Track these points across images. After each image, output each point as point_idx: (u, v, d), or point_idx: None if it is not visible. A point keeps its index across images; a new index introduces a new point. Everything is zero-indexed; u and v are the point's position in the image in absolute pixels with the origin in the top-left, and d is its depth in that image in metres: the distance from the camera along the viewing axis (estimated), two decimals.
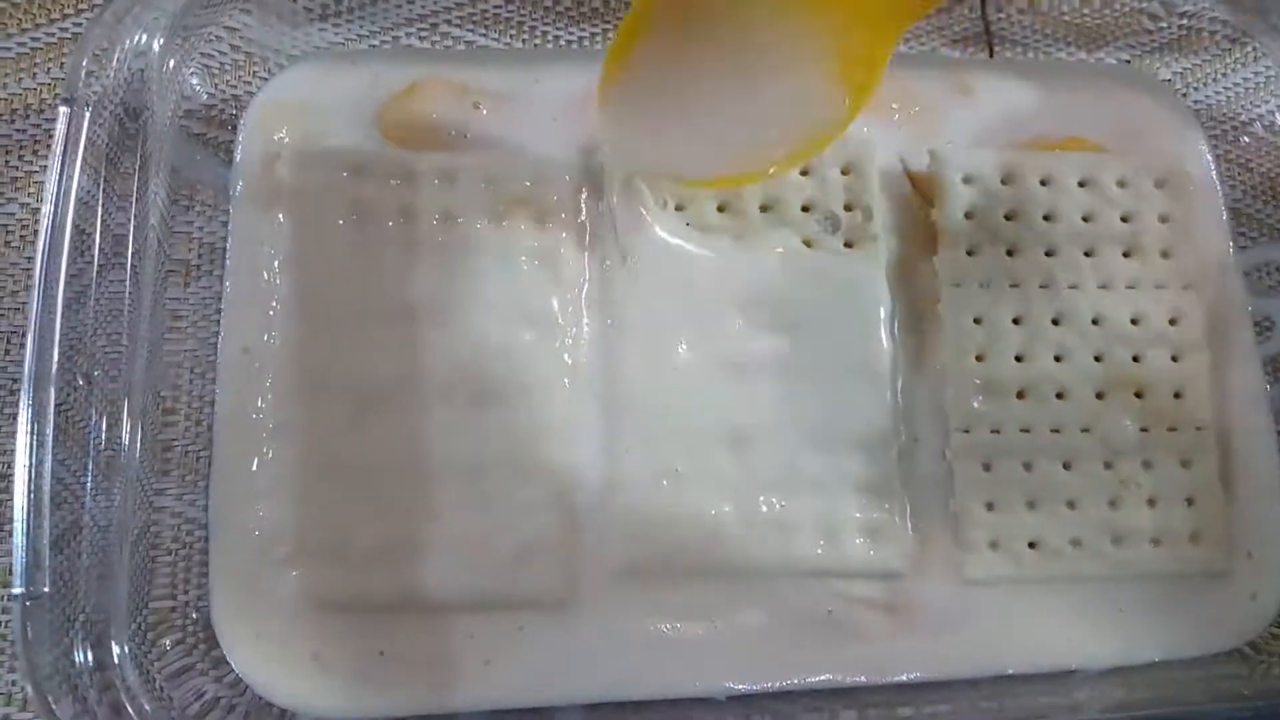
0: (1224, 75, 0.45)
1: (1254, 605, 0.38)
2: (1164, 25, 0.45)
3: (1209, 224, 0.41)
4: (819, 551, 0.36)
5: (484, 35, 0.43)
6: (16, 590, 0.30)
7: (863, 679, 0.35)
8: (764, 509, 0.36)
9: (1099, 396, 0.38)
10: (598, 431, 0.36)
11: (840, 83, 0.35)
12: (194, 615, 0.35)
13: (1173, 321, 0.39)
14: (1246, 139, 0.44)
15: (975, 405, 0.38)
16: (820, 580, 0.36)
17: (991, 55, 0.45)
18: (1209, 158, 0.42)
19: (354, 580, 0.34)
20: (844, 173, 0.39)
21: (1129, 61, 0.45)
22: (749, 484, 0.36)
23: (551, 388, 0.36)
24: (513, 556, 0.35)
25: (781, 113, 0.36)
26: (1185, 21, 0.44)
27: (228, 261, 0.37)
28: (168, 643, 0.34)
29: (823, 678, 0.35)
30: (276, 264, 0.37)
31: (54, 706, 0.29)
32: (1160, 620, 0.37)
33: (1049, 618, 0.37)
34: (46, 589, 0.30)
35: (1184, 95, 0.44)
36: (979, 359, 0.38)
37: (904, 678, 0.35)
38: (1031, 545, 0.37)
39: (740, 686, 0.34)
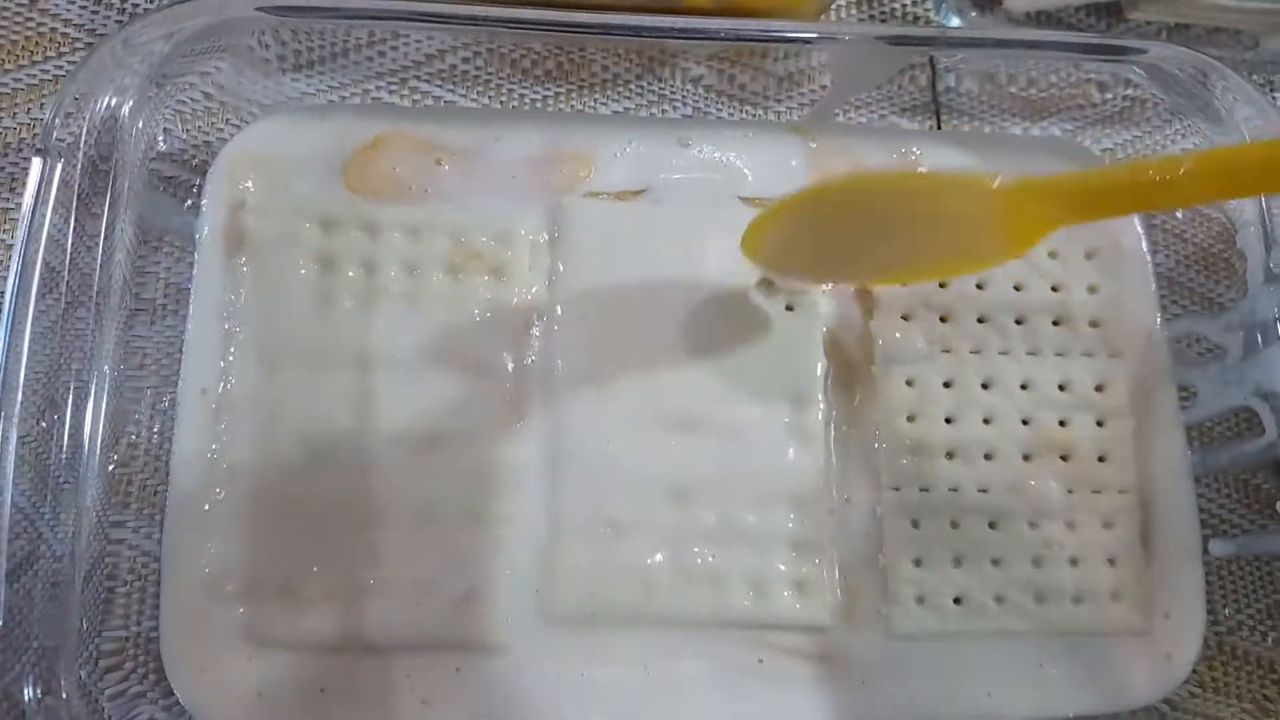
0: (1161, 149, 0.47)
1: (1169, 665, 0.40)
2: (1109, 97, 0.47)
3: (1137, 294, 0.43)
4: (747, 603, 0.37)
5: (451, 91, 0.44)
6: None
7: None
8: (698, 560, 0.37)
9: (1026, 459, 0.40)
10: (541, 481, 0.38)
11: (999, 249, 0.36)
12: (145, 647, 0.36)
13: (1099, 388, 0.41)
14: (1182, 212, 0.46)
15: (905, 464, 0.39)
16: (751, 631, 0.37)
17: (939, 126, 0.47)
18: (1140, 229, 0.44)
19: (299, 619, 0.35)
20: None
21: (1071, 133, 0.47)
22: (685, 535, 0.37)
23: (498, 437, 0.38)
24: (454, 601, 0.36)
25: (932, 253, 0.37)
26: (1128, 91, 0.46)
27: (190, 305, 0.39)
28: (118, 673, 0.35)
29: None
30: (238, 309, 0.38)
31: None
32: (1079, 676, 0.39)
33: (972, 671, 0.38)
34: (0, 622, 0.31)
35: None
36: (910, 420, 0.40)
37: None
38: (957, 601, 0.38)
39: None
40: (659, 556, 0.37)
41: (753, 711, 0.36)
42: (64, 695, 0.33)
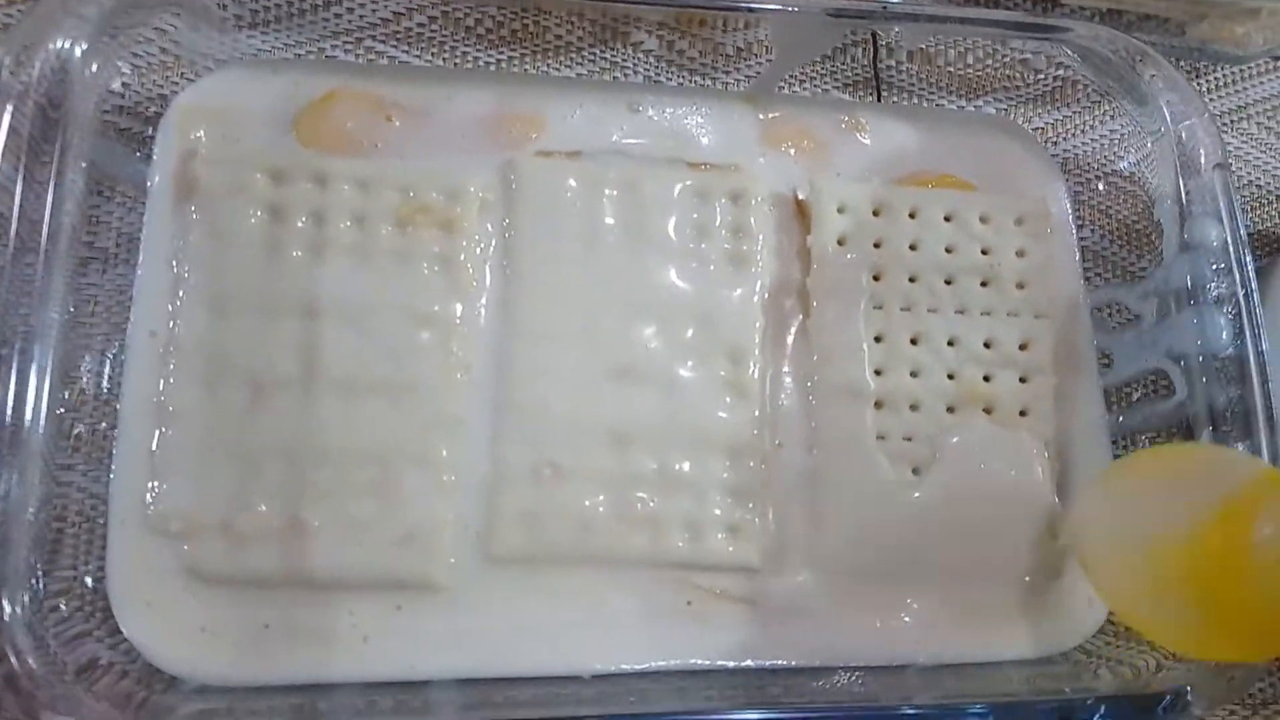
0: (1090, 128, 0.49)
1: (1090, 610, 0.42)
2: (1041, 77, 0.49)
3: (1063, 261, 0.45)
4: (681, 545, 0.38)
5: (405, 52, 0.45)
6: None
7: (716, 664, 0.37)
8: (637, 505, 0.39)
9: (950, 410, 0.41)
10: (486, 426, 0.39)
11: None
12: (91, 584, 0.36)
13: (1023, 346, 0.43)
14: (1105, 187, 0.48)
15: (836, 412, 0.41)
16: (683, 572, 0.39)
17: (880, 99, 0.48)
18: (1067, 202, 0.46)
19: (242, 557, 0.36)
20: (733, 200, 0.43)
21: (1005, 111, 0.49)
22: (624, 481, 0.39)
23: (444, 385, 0.39)
24: (395, 540, 0.37)
25: None
26: (1060, 73, 0.48)
27: (141, 251, 0.39)
28: (64, 609, 0.36)
29: (677, 662, 0.37)
30: (187, 255, 0.39)
31: None
32: (999, 621, 0.41)
33: (897, 613, 0.40)
34: None
35: (1053, 144, 0.48)
36: (841, 370, 0.41)
37: (751, 663, 0.38)
38: (882, 542, 0.40)
39: (604, 667, 0.37)
40: (600, 498, 0.38)
41: (682, 648, 0.38)
42: (8, 625, 0.33)
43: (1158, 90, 0.44)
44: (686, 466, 0.39)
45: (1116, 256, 0.48)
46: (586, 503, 0.38)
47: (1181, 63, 0.52)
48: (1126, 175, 0.47)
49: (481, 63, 0.46)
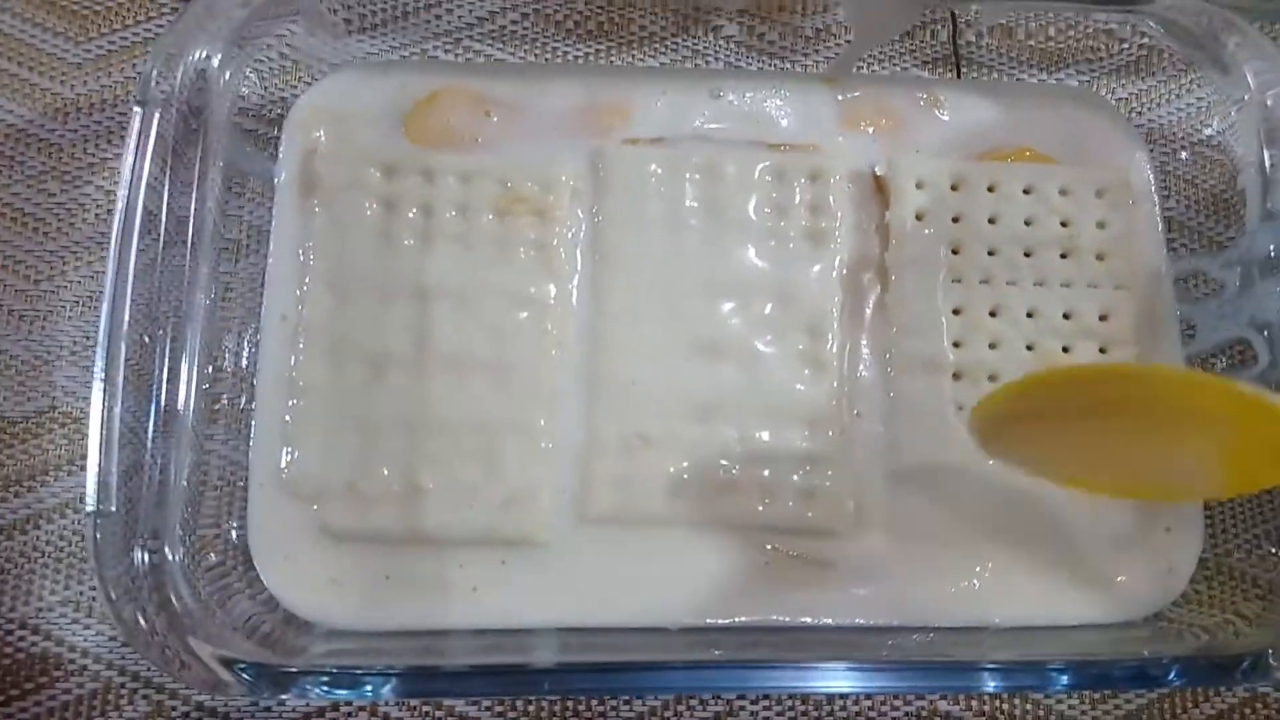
0: (1175, 97, 0.49)
1: (1169, 577, 0.42)
2: (1125, 46, 0.49)
3: (1145, 231, 0.45)
4: (760, 509, 0.41)
5: (500, 50, 0.48)
6: (90, 508, 0.36)
7: (795, 621, 0.40)
8: (719, 472, 0.41)
9: None
10: (579, 399, 0.42)
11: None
12: (234, 541, 0.41)
13: (1103, 318, 0.43)
14: (1191, 156, 0.47)
15: (914, 384, 0.42)
16: (762, 534, 0.41)
17: (959, 76, 0.49)
18: (1149, 172, 0.46)
19: (366, 516, 0.40)
20: (812, 179, 0.44)
21: (1088, 83, 0.49)
22: (708, 450, 0.41)
23: (541, 361, 0.42)
24: (500, 502, 0.40)
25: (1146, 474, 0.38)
26: (1144, 41, 0.48)
27: (270, 242, 0.44)
28: (212, 558, 0.40)
29: (758, 618, 0.40)
30: (311, 245, 0.43)
31: (114, 600, 0.35)
32: (1076, 586, 0.42)
33: (971, 577, 0.41)
34: (114, 508, 0.36)
35: (1137, 114, 0.48)
36: (920, 342, 0.43)
37: (828, 621, 0.40)
38: (960, 509, 0.42)
39: (689, 621, 0.40)
40: (684, 465, 0.41)
41: (761, 606, 0.40)
42: (168, 570, 0.38)
43: (1243, 58, 0.44)
44: (766, 436, 0.42)
45: (1201, 226, 0.47)
46: (671, 469, 0.41)
47: (1278, 26, 0.51)
48: (1211, 144, 0.47)
49: (570, 56, 0.49)
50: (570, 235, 0.44)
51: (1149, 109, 0.49)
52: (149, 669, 0.41)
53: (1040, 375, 0.38)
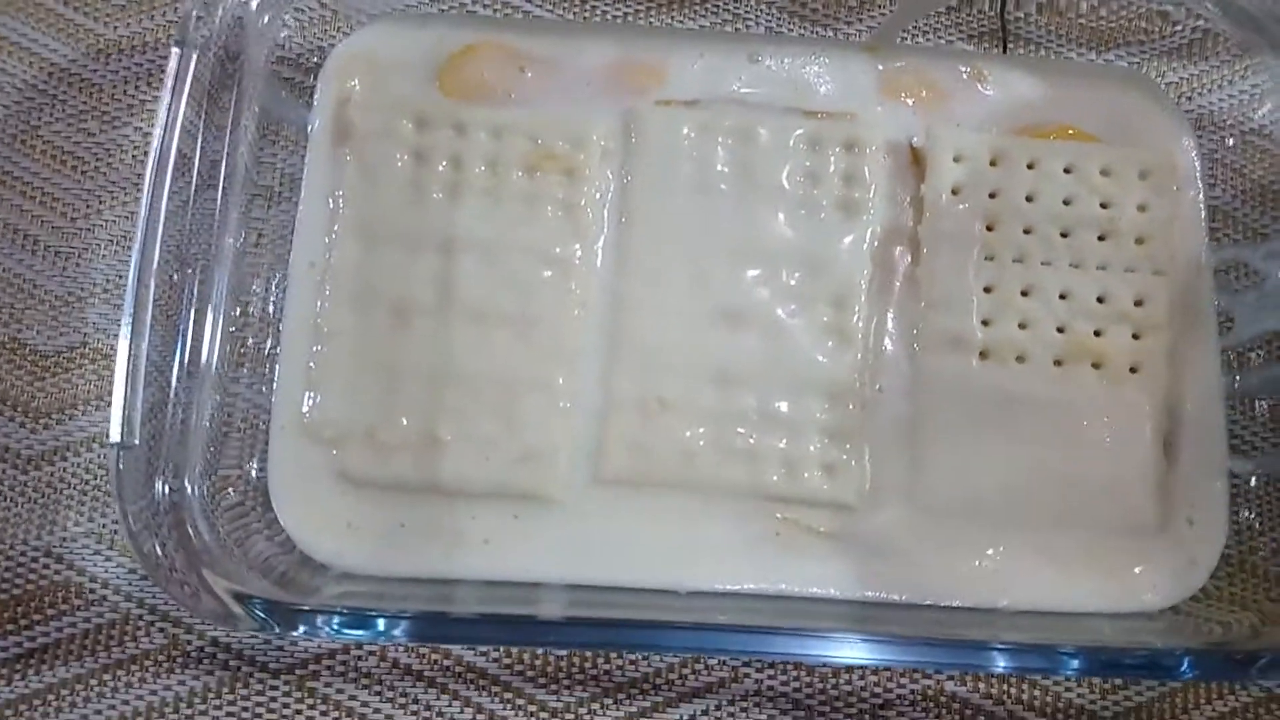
0: (1228, 83, 0.47)
1: (1190, 570, 0.42)
2: (1179, 28, 0.47)
3: (1188, 218, 0.44)
4: (776, 479, 0.41)
5: (539, 6, 0.48)
6: (114, 440, 0.36)
7: (803, 591, 0.40)
8: (736, 440, 0.41)
9: (1057, 363, 0.42)
10: (599, 359, 0.42)
11: None
12: (254, 481, 0.42)
13: (1138, 303, 0.42)
14: (1241, 145, 0.46)
15: (940, 360, 0.42)
16: (775, 504, 0.41)
17: (1005, 51, 0.48)
18: (1195, 158, 0.45)
19: (384, 463, 0.41)
20: (847, 149, 0.44)
21: (1137, 64, 0.48)
22: (726, 416, 0.41)
23: (563, 319, 0.42)
24: (516, 457, 0.41)
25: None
26: (1198, 24, 0.47)
27: (302, 189, 0.44)
28: (232, 496, 0.41)
29: (766, 586, 0.40)
30: (341, 194, 0.43)
31: (134, 530, 0.36)
32: (1094, 574, 0.41)
33: (987, 559, 0.41)
34: (137, 442, 0.36)
35: (1186, 99, 0.47)
36: (947, 318, 0.42)
37: (836, 593, 0.40)
38: (981, 488, 0.41)
39: (697, 585, 0.40)
40: (701, 431, 0.41)
41: (770, 575, 0.40)
42: (188, 505, 0.38)
43: None
44: (785, 406, 0.41)
45: (1247, 216, 0.46)
46: (688, 434, 0.41)
47: None
48: (1262, 133, 0.46)
49: (608, 15, 0.48)
50: (598, 195, 0.44)
51: (1199, 94, 0.47)
52: (167, 602, 0.42)
53: None
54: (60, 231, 0.46)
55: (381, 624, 0.35)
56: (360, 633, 0.35)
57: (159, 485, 0.37)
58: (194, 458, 0.40)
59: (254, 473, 0.42)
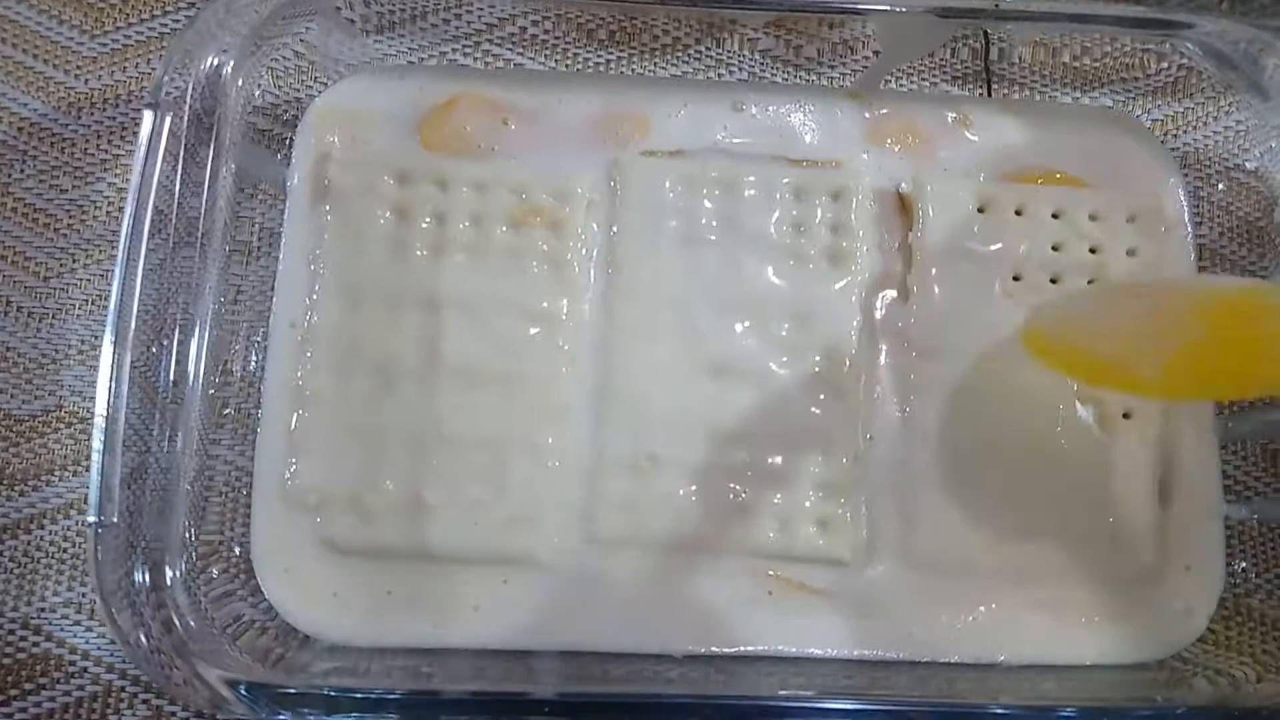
0: (1213, 120, 0.47)
1: (1187, 618, 0.41)
2: (1165, 66, 0.47)
3: (1177, 260, 0.44)
4: (772, 536, 0.40)
5: (519, 54, 0.47)
6: (91, 519, 0.35)
7: (802, 652, 0.39)
8: (730, 497, 0.40)
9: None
10: (589, 417, 0.41)
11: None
12: (237, 550, 0.41)
13: None
14: (1226, 184, 0.46)
15: (934, 405, 0.41)
16: (768, 562, 0.40)
17: (990, 94, 0.48)
18: (1183, 198, 0.45)
19: (369, 530, 0.40)
20: (834, 197, 0.43)
21: (1122, 103, 0.47)
22: (718, 473, 0.41)
23: (551, 376, 0.41)
24: (504, 520, 0.40)
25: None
26: (1181, 62, 0.47)
27: (281, 247, 0.43)
28: (214, 571, 0.40)
29: (764, 648, 0.39)
30: (321, 252, 0.42)
31: (116, 618, 0.35)
32: (1090, 624, 0.41)
33: (982, 611, 0.40)
34: (115, 519, 0.35)
35: (1172, 137, 0.47)
36: (941, 365, 0.42)
37: (834, 653, 0.39)
38: (973, 539, 0.41)
39: (694, 648, 0.39)
40: (694, 489, 0.40)
41: (767, 636, 0.40)
42: (169, 586, 0.37)
43: None
44: (779, 460, 0.41)
45: (1236, 255, 0.46)
46: (681, 492, 0.40)
47: None
48: (1249, 171, 0.46)
49: (590, 64, 0.48)
50: (584, 249, 0.43)
51: (1184, 132, 0.47)
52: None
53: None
54: (33, 291, 0.45)
55: (370, 708, 0.34)
56: (348, 717, 0.34)
57: (139, 569, 0.36)
58: (175, 529, 0.39)
59: (236, 547, 0.41)
